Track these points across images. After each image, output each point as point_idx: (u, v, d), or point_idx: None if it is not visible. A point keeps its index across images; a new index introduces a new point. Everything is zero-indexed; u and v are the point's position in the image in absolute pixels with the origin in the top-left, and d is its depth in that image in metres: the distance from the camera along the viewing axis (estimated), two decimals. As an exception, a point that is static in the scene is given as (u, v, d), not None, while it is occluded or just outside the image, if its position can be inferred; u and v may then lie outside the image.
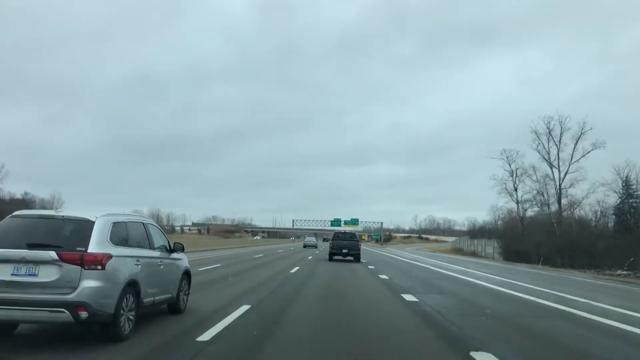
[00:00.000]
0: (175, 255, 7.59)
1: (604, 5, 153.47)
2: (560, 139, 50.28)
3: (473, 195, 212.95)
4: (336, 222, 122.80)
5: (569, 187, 50.27)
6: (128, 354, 5.28)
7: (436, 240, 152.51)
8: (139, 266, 6.17)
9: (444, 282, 17.10)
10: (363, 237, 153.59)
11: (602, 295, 15.16)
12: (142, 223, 6.91)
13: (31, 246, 5.34)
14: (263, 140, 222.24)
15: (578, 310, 10.36)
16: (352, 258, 28.56)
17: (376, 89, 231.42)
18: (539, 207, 55.00)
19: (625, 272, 31.51)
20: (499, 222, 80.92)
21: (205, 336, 6.15)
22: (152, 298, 6.62)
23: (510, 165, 57.17)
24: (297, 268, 20.41)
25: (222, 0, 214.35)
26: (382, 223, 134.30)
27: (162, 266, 6.98)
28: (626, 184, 46.23)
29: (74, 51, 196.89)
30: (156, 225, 7.44)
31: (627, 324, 8.85)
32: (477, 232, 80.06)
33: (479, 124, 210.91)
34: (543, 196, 53.39)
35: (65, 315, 5.21)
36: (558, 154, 50.59)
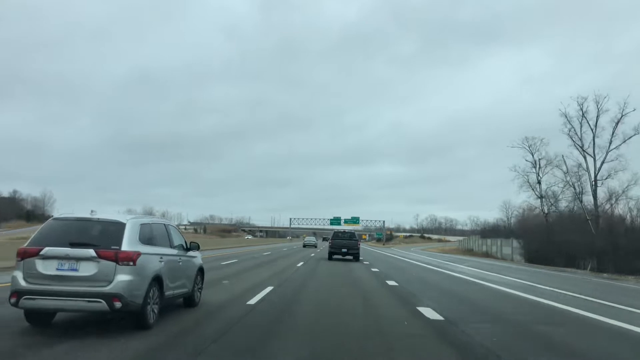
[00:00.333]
0: (191, 253, 8.62)
1: (605, 4, 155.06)
2: (596, 122, 43.77)
3: (475, 194, 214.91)
4: (336, 220, 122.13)
5: (606, 178, 43.65)
6: (156, 339, 6.28)
7: (439, 240, 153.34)
8: (162, 263, 7.19)
9: (479, 294, 13.78)
10: (363, 237, 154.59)
11: None
12: (164, 224, 7.94)
13: (73, 245, 6.33)
14: (263, 139, 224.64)
15: None
16: (351, 257, 29.63)
17: (377, 88, 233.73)
18: (569, 201, 49.17)
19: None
20: (512, 220, 76.62)
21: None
22: (172, 291, 7.63)
23: (532, 155, 51.69)
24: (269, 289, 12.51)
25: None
26: (384, 222, 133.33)
27: (180, 263, 8.01)
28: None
29: (74, 50, 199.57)
30: (174, 226, 8.45)
31: None
32: (489, 231, 76.97)
33: (480, 123, 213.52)
34: (575, 188, 47.01)
35: (102, 304, 6.21)
36: (594, 139, 44.13)
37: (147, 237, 7.05)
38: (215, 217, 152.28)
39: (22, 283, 6.25)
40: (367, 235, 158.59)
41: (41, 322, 6.75)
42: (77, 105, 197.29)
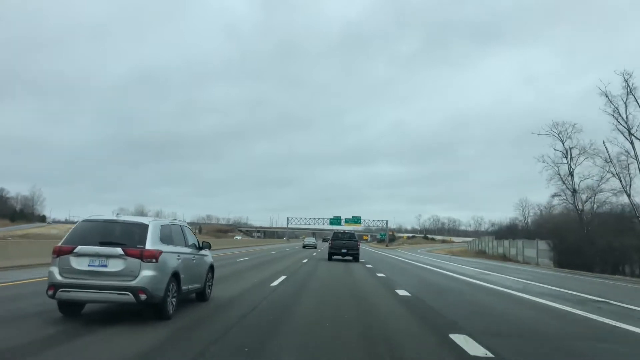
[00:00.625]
0: (203, 252, 9.66)
1: (608, 2, 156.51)
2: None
3: (477, 194, 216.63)
4: (336, 220, 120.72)
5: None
6: (176, 328, 7.29)
7: (443, 241, 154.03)
8: (179, 260, 8.21)
9: (532, 314, 10.58)
10: (365, 237, 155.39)
11: None
12: (180, 225, 8.97)
13: (102, 244, 7.35)
14: (263, 139, 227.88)
15: None
16: (350, 258, 30.67)
17: (377, 88, 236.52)
18: (607, 196, 43.92)
19: None
20: (529, 219, 73.85)
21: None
22: (188, 286, 8.66)
23: (563, 144, 47.28)
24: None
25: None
26: (387, 222, 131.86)
27: (194, 261, 9.04)
28: None
29: (73, 49, 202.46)
30: (189, 227, 9.47)
31: None
32: (504, 232, 73.07)
33: (481, 123, 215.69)
34: (620, 180, 41.04)
35: (129, 297, 7.22)
36: None
37: (167, 237, 8.08)
38: (213, 217, 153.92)
39: (58, 277, 7.27)
40: (369, 236, 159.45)
41: (72, 312, 7.78)
42: (76, 104, 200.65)
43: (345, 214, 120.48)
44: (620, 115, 39.38)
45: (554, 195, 51.99)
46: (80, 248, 7.31)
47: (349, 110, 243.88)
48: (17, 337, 6.29)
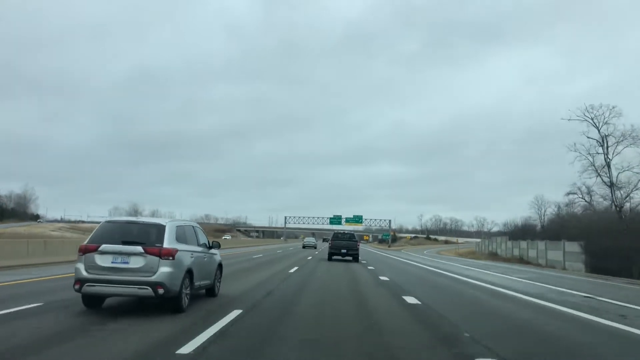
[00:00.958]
0: (212, 251, 10.68)
1: (609, 2, 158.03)
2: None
3: (480, 194, 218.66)
4: (336, 219, 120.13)
5: None
6: (189, 317, 8.28)
7: (446, 241, 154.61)
8: (192, 258, 9.21)
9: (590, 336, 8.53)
10: (365, 238, 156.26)
11: None
12: (192, 226, 9.99)
13: (124, 243, 8.34)
14: (264, 139, 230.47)
15: None
16: (350, 258, 31.70)
17: (379, 88, 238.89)
18: None
19: None
20: (546, 218, 69.80)
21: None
22: (200, 282, 9.67)
23: (599, 130, 43.08)
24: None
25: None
26: (390, 221, 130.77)
27: (205, 259, 10.05)
28: None
29: (74, 48, 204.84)
30: (200, 228, 10.48)
31: None
32: (518, 232, 69.51)
33: (483, 122, 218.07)
34: None
35: (149, 291, 8.21)
36: None
37: (181, 236, 9.08)
38: (211, 217, 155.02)
39: (84, 273, 8.27)
40: (370, 236, 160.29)
41: (95, 305, 8.78)
42: (76, 103, 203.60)
43: (346, 214, 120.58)
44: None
45: (568, 194, 50.21)
46: (104, 246, 8.30)
47: (350, 109, 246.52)
48: (51, 327, 7.31)
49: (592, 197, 46.49)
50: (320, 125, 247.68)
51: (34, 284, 12.76)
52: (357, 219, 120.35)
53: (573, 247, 39.06)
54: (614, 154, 43.27)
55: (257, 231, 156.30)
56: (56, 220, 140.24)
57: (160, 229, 8.64)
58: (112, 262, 8.28)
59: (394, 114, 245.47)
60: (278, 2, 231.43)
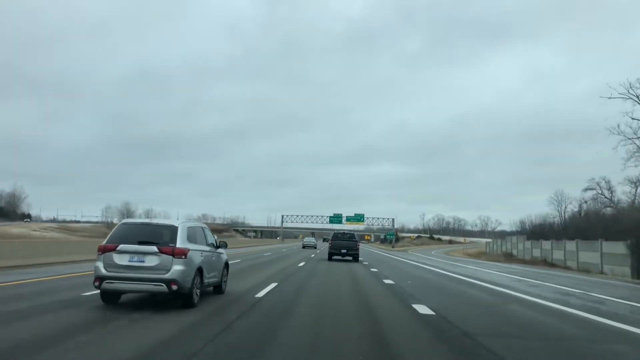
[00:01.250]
0: (219, 250, 11.63)
1: (614, 1, 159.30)
2: None
3: (482, 194, 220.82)
4: (336, 218, 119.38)
5: None
6: (200, 311, 9.22)
7: (450, 241, 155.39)
8: (202, 257, 10.16)
9: None
10: (366, 237, 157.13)
11: None
12: (201, 227, 10.93)
13: (140, 242, 9.28)
14: (264, 138, 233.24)
15: None
16: (350, 258, 32.68)
17: (381, 87, 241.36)
18: None
19: None
20: (566, 215, 65.74)
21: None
22: (208, 280, 10.63)
23: None
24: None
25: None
26: (393, 220, 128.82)
27: (213, 258, 11.01)
28: None
29: (73, 46, 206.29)
30: (208, 228, 11.42)
31: None
32: (537, 232, 66.43)
33: (486, 122, 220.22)
34: None
35: (163, 287, 9.15)
36: None
37: (192, 236, 10.03)
38: (208, 217, 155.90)
39: (103, 271, 9.21)
40: (372, 236, 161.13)
41: (112, 300, 9.73)
42: (75, 102, 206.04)
43: (347, 213, 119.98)
44: None
45: (586, 189, 47.08)
46: (122, 246, 9.24)
47: (351, 109, 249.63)
48: (77, 319, 8.26)
49: (613, 193, 43.13)
50: (321, 125, 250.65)
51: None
52: (359, 218, 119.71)
53: (615, 247, 34.40)
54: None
55: (254, 231, 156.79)
56: (47, 220, 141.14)
57: (173, 230, 9.58)
58: (129, 261, 9.22)
59: (395, 113, 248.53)
60: (279, 1, 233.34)
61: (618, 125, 39.41)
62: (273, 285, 14.60)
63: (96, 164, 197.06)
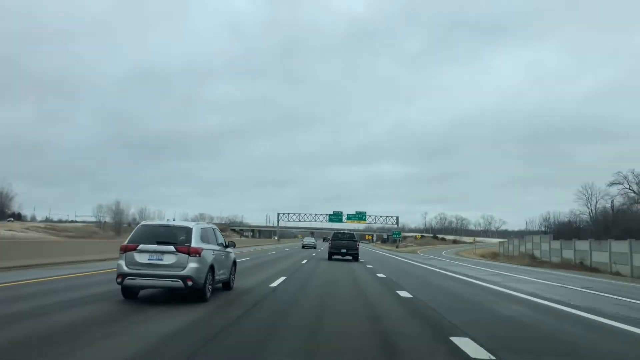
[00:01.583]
0: (228, 249, 12.96)
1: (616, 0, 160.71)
2: None
3: (483, 193, 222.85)
4: (336, 216, 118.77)
5: None
6: (213, 305, 10.55)
7: (454, 241, 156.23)
8: (214, 256, 11.50)
9: None
10: (367, 237, 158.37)
11: None
12: (212, 228, 12.26)
13: (159, 242, 10.60)
14: (265, 138, 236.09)
15: None
16: (350, 257, 34.06)
17: (382, 86, 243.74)
18: None
19: None
20: (596, 211, 60.71)
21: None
22: (219, 277, 11.97)
23: None
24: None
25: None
26: (397, 218, 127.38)
27: (223, 256, 12.34)
28: None
29: (72, 45, 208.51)
30: (218, 229, 12.76)
31: None
32: (563, 231, 62.11)
33: (487, 121, 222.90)
34: None
35: (180, 283, 10.47)
36: None
37: (205, 237, 11.37)
38: (206, 216, 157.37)
39: (125, 268, 10.53)
40: (374, 236, 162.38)
41: (131, 295, 11.07)
42: (74, 102, 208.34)
43: (348, 211, 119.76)
44: None
45: (611, 184, 45.05)
46: (142, 246, 10.57)
47: (352, 108, 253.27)
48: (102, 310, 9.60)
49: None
50: (322, 125, 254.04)
51: None
52: (360, 216, 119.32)
53: None
54: None
55: (252, 231, 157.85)
56: (39, 220, 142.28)
57: (188, 231, 10.91)
58: (148, 259, 10.54)
59: (396, 112, 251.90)
60: (280, 0, 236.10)
61: None
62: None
63: (95, 164, 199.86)
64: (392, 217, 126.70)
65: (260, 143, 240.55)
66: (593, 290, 19.43)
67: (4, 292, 11.95)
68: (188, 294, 10.91)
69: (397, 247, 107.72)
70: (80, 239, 75.38)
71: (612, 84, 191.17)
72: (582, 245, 43.60)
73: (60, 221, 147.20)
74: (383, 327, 8.99)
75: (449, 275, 24.55)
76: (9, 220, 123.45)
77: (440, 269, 30.55)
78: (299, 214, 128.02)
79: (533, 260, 50.24)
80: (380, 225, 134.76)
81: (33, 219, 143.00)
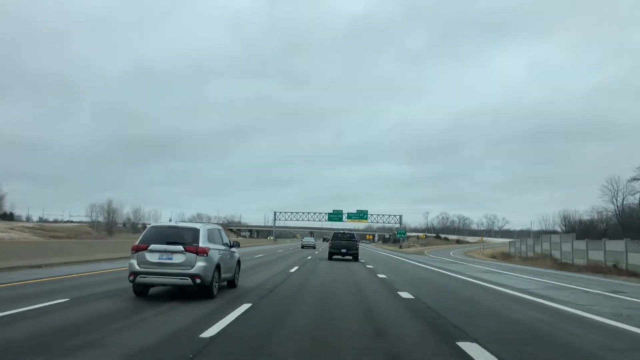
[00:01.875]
0: (233, 249, 14.00)
1: None
2: None
3: (487, 192, 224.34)
4: (336, 215, 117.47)
5: None
6: (218, 301, 11.57)
7: (458, 241, 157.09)
8: (220, 255, 12.53)
9: None
10: (368, 237, 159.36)
11: None
12: (218, 229, 13.28)
13: (169, 243, 11.62)
14: (265, 137, 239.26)
15: None
16: (350, 257, 35.11)
17: (384, 85, 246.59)
18: None
19: None
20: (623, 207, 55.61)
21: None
22: (224, 275, 13.02)
23: None
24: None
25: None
26: (401, 216, 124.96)
27: (228, 256, 13.38)
28: None
29: (71, 44, 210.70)
30: (223, 230, 13.79)
31: None
32: (586, 230, 59.21)
33: (489, 120, 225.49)
34: None
35: (188, 281, 11.49)
36: None
37: (211, 237, 12.41)
38: (203, 216, 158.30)
39: (137, 267, 11.55)
40: (375, 235, 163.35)
41: (142, 293, 12.09)
42: (74, 101, 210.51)
43: (349, 209, 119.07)
44: None
45: (632, 179, 42.41)
46: (152, 246, 11.59)
47: (353, 107, 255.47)
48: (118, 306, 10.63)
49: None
50: (323, 123, 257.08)
51: None
52: (362, 215, 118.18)
53: None
54: None
55: (249, 230, 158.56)
56: (32, 220, 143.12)
57: (196, 231, 11.93)
58: (159, 258, 11.55)
59: (398, 111, 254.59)
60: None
61: None
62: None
63: (92, 163, 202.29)
64: (395, 216, 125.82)
65: (260, 142, 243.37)
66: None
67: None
68: (196, 291, 11.93)
69: (400, 247, 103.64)
70: (66, 239, 73.78)
71: (616, 81, 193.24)
72: (615, 245, 39.04)
73: (55, 221, 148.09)
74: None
75: (503, 293, 16.81)
76: None
77: (473, 277, 24.25)
78: (297, 212, 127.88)
79: (554, 263, 46.01)
80: (381, 225, 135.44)
81: (29, 219, 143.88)
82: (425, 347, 7.67)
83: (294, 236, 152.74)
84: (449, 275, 25.93)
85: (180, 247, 11.57)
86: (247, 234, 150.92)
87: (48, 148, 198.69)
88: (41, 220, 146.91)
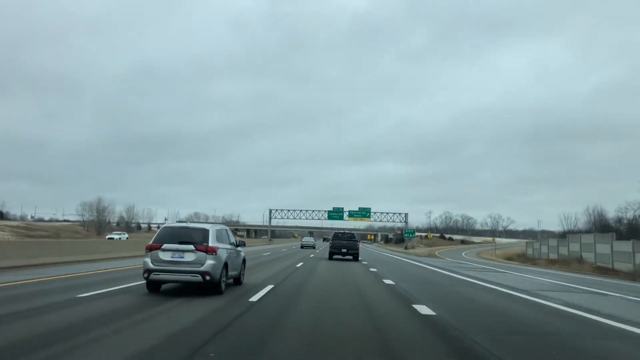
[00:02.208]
0: (239, 248, 15.34)
1: None
2: None
3: (490, 192, 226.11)
4: (336, 213, 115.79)
5: None
6: (227, 296, 12.89)
7: (462, 242, 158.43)
8: (227, 254, 13.86)
9: None
10: (369, 237, 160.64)
11: None
12: (225, 229, 14.61)
13: (180, 242, 12.94)
14: (266, 136, 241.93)
15: None
16: (351, 257, 36.46)
17: (385, 84, 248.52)
18: None
19: None
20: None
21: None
22: (231, 273, 14.35)
23: None
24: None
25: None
26: (406, 215, 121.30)
27: (234, 255, 14.70)
28: None
29: (72, 43, 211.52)
30: (230, 230, 15.11)
31: None
32: (608, 228, 57.84)
33: (491, 120, 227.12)
34: None
35: (199, 278, 12.81)
36: None
37: (219, 237, 13.74)
38: (201, 215, 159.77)
39: (151, 265, 12.87)
40: (378, 235, 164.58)
41: (155, 289, 13.41)
42: (74, 100, 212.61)
43: (350, 207, 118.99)
44: None
45: None
46: (166, 245, 12.91)
47: (354, 106, 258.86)
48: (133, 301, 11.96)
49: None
50: (324, 123, 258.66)
51: None
52: (364, 213, 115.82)
53: None
54: None
55: (246, 230, 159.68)
56: (27, 219, 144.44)
57: (206, 231, 13.26)
58: (171, 257, 12.87)
59: (399, 110, 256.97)
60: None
61: None
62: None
63: (90, 162, 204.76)
64: (399, 214, 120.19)
65: (260, 141, 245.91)
66: None
67: None
68: (205, 287, 13.24)
69: (405, 247, 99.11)
70: (46, 239, 67.67)
71: (619, 81, 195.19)
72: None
73: (50, 220, 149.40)
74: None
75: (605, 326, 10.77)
76: None
77: (540, 297, 16.26)
78: (295, 210, 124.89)
79: (594, 268, 42.07)
80: (382, 224, 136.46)
81: (23, 218, 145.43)
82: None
83: (293, 236, 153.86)
84: (494, 289, 18.60)
85: (191, 247, 12.88)
86: (244, 233, 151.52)
87: (48, 147, 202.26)
88: (36, 219, 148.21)
